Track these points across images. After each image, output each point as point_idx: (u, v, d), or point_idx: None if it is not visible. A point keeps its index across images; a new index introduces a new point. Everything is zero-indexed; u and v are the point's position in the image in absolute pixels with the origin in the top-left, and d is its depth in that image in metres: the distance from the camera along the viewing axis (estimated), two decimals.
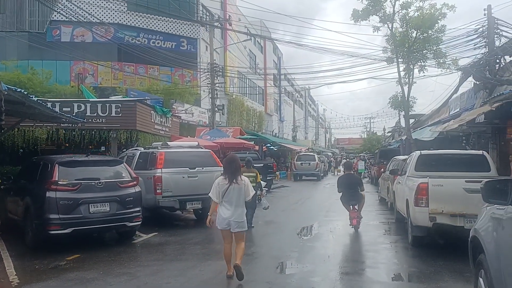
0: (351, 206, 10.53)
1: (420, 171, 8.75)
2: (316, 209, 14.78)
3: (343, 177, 11.15)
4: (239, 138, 24.03)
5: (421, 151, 9.51)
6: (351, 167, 12.25)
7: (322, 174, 32.53)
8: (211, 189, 6.40)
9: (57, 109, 13.82)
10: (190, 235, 9.68)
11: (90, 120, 15.03)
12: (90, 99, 16.94)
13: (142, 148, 12.23)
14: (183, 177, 10.61)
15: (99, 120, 15.39)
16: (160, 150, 10.85)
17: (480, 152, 9.21)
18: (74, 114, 14.39)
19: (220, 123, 31.91)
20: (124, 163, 9.57)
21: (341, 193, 10.80)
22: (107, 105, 15.58)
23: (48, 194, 7.78)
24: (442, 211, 7.31)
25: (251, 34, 40.03)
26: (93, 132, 15.52)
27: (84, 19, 24.70)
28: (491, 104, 10.38)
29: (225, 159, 6.80)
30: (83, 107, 15.24)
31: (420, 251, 7.85)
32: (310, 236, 10.18)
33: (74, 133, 15.40)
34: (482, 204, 4.41)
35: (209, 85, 25.36)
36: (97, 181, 8.26)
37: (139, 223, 8.83)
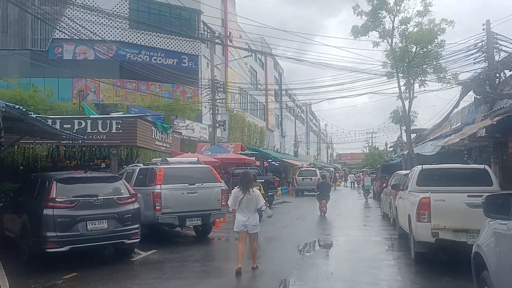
0: (323, 201, 16.94)
1: (422, 186, 8.64)
2: (318, 224, 14.64)
3: (321, 183, 18.54)
4: (240, 153, 23.96)
5: (423, 165, 9.41)
6: (326, 177, 21.90)
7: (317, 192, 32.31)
8: (229, 199, 7.85)
9: (57, 126, 13.82)
10: (190, 252, 9.54)
11: (90, 136, 15.00)
12: (91, 116, 16.95)
13: (142, 164, 12.16)
14: (183, 193, 10.52)
15: (100, 136, 15.36)
16: (160, 166, 10.78)
17: (481, 166, 9.11)
18: (74, 130, 14.38)
19: (221, 139, 31.89)
20: (123, 179, 9.49)
21: (318, 192, 17.71)
22: (108, 121, 15.57)
23: (45, 211, 7.68)
24: (445, 226, 7.18)
25: (252, 50, 40.29)
26: (93, 148, 15.48)
27: (86, 37, 24.93)
28: (492, 118, 10.32)
29: (240, 174, 8.25)
30: (83, 123, 15.23)
31: (423, 268, 7.71)
32: (312, 252, 10.04)
33: (74, 149, 15.36)
34: (485, 219, 4.33)
35: (210, 101, 25.42)
36: (95, 198, 8.17)
37: (138, 240, 8.71)
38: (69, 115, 18.15)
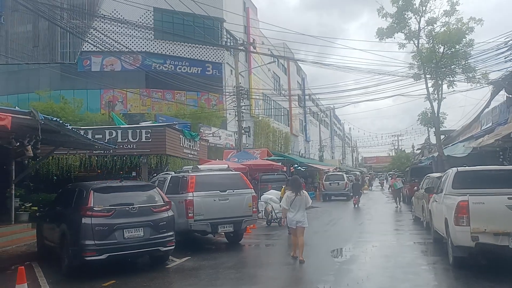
0: (356, 197, 23.78)
1: (458, 188, 8.43)
2: (349, 230, 14.48)
3: (354, 184, 26.19)
4: (267, 159, 23.99)
5: (458, 167, 9.21)
6: (358, 180, 28.49)
7: (351, 194, 31.96)
8: (282, 200, 9.50)
9: (89, 136, 14.18)
10: (223, 259, 9.59)
11: (121, 146, 15.33)
12: (121, 126, 17.30)
13: (173, 172, 12.32)
14: (214, 200, 10.59)
15: (130, 146, 15.69)
16: (191, 174, 10.89)
17: None
18: (106, 140, 14.73)
19: (247, 145, 31.99)
20: (157, 187, 9.63)
21: (352, 190, 25.33)
22: (138, 131, 15.89)
23: (84, 220, 7.84)
24: (485, 230, 6.98)
25: (275, 55, 40.36)
26: (124, 158, 15.80)
27: (113, 48, 25.50)
28: None
29: (291, 179, 10.21)
30: (114, 133, 15.59)
31: (463, 273, 7.51)
32: (346, 258, 9.92)
33: (106, 159, 15.72)
34: None
35: (235, 108, 25.56)
36: (131, 206, 8.30)
37: (173, 247, 8.80)
38: (99, 126, 18.58)
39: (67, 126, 9.13)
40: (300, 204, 9.05)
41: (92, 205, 8.00)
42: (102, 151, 15.10)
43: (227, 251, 10.99)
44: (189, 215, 10.22)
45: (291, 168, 32.56)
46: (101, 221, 7.92)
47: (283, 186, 14.02)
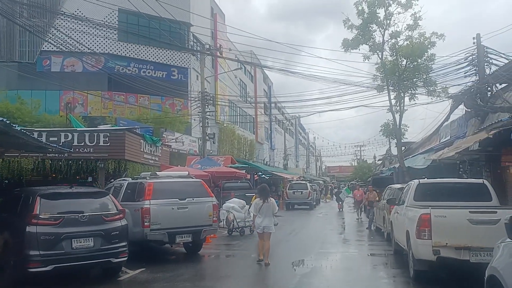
0: (339, 202, 28.27)
1: (419, 200, 8.43)
2: (311, 240, 14.30)
3: (337, 191, 31.91)
4: (231, 166, 23.65)
5: (420, 179, 9.21)
6: (340, 187, 38.33)
7: (314, 203, 32.04)
8: (251, 206, 10.28)
9: (43, 138, 13.45)
10: (180, 271, 9.15)
11: (77, 149, 14.63)
12: (78, 129, 16.56)
13: (130, 179, 11.79)
14: (173, 208, 10.14)
15: (87, 149, 14.98)
16: (149, 181, 10.42)
17: (480, 180, 8.94)
18: (61, 143, 14.01)
19: (211, 151, 31.52)
20: (110, 194, 9.11)
21: (335, 197, 31.32)
22: (95, 134, 15.20)
23: (28, 228, 7.28)
24: (446, 243, 6.91)
25: (242, 61, 40.20)
26: (80, 162, 15.08)
27: (75, 49, 24.57)
28: (488, 131, 10.19)
29: (259, 187, 10.62)
30: (70, 136, 14.84)
31: (423, 286, 7.45)
32: (307, 270, 9.68)
33: (60, 163, 14.95)
34: (492, 237, 4.09)
35: (200, 113, 25.12)
36: (81, 214, 7.79)
37: (125, 258, 8.31)
38: (56, 128, 17.70)
39: (15, 127, 8.51)
40: (267, 211, 9.58)
41: (37, 213, 7.44)
42: (56, 155, 14.34)
43: (185, 262, 10.55)
44: (145, 224, 9.72)
45: (255, 176, 32.34)
46: (47, 229, 7.38)
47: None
